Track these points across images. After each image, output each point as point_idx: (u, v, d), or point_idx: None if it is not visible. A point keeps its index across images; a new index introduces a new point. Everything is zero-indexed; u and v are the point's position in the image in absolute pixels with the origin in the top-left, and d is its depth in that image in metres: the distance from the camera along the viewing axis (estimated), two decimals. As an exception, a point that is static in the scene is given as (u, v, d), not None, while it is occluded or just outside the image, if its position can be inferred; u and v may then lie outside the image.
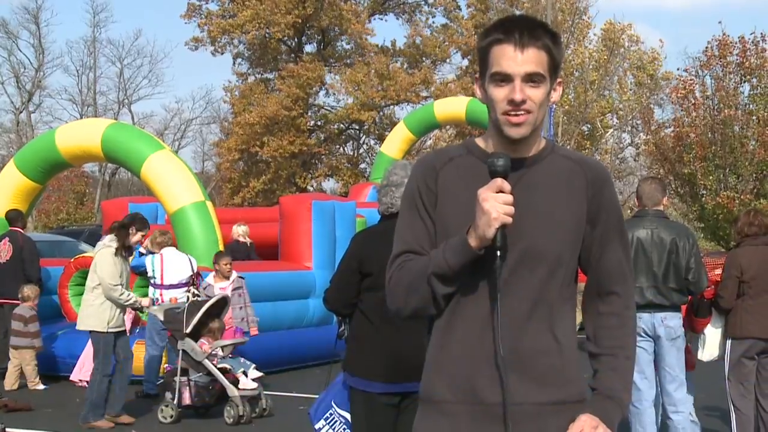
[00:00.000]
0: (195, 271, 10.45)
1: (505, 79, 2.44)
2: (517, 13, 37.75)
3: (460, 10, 38.96)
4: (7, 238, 11.81)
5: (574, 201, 2.52)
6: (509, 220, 2.35)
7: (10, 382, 10.86)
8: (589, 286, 2.65)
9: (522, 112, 2.44)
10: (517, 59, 2.43)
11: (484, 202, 2.34)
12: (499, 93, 2.45)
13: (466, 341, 2.50)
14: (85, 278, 12.36)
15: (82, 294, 12.43)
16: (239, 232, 13.78)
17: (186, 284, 10.28)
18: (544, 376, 2.46)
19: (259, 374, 9.43)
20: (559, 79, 2.54)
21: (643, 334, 6.59)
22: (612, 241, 2.57)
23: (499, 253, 2.37)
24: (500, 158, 2.41)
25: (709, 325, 7.33)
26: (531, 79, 2.44)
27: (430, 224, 2.58)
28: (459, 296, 2.52)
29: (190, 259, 10.48)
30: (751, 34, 29.82)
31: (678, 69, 42.52)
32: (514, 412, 2.42)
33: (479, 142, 2.62)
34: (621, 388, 2.54)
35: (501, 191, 2.36)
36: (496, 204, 2.33)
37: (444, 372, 2.56)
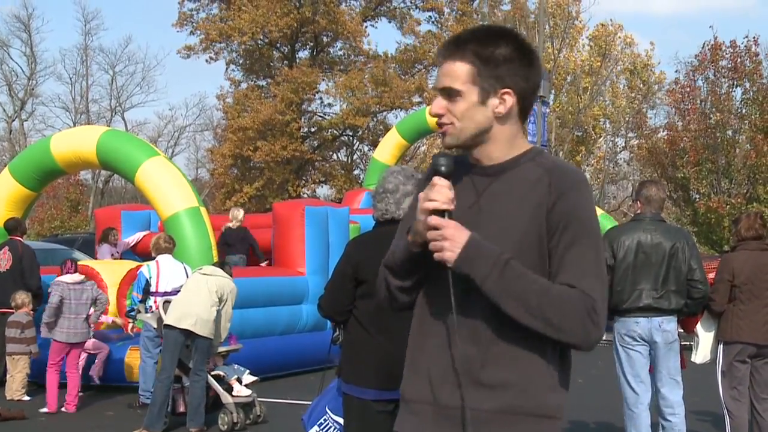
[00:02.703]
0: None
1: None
2: (499, 16, 37.95)
3: (443, 15, 38.99)
4: (6, 247, 11.79)
5: (533, 211, 2.46)
6: (432, 205, 2.39)
7: (12, 391, 10.80)
8: None
9: (441, 125, 2.52)
10: (437, 74, 2.54)
11: (420, 202, 2.43)
12: None
13: (434, 344, 2.54)
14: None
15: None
16: (231, 215, 14.56)
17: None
18: (498, 385, 2.46)
19: (253, 378, 9.43)
20: (505, 90, 2.48)
21: (639, 339, 6.61)
22: (572, 247, 2.43)
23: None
24: (442, 157, 2.46)
25: (701, 328, 7.35)
26: (446, 92, 2.50)
27: None
28: (429, 298, 2.58)
29: (185, 267, 10.47)
30: (744, 38, 29.96)
31: (676, 71, 42.57)
32: (470, 417, 2.44)
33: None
34: (499, 265, 2.40)
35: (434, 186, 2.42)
36: (424, 198, 2.42)
37: (414, 372, 2.61)
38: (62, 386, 10.84)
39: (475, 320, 2.46)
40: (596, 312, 2.40)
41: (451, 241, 2.38)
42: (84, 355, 11.05)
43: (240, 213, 14.88)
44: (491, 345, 2.45)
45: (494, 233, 2.45)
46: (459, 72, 2.47)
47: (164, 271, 10.23)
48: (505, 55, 2.47)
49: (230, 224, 14.46)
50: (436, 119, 2.54)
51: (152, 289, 10.20)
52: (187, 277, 10.22)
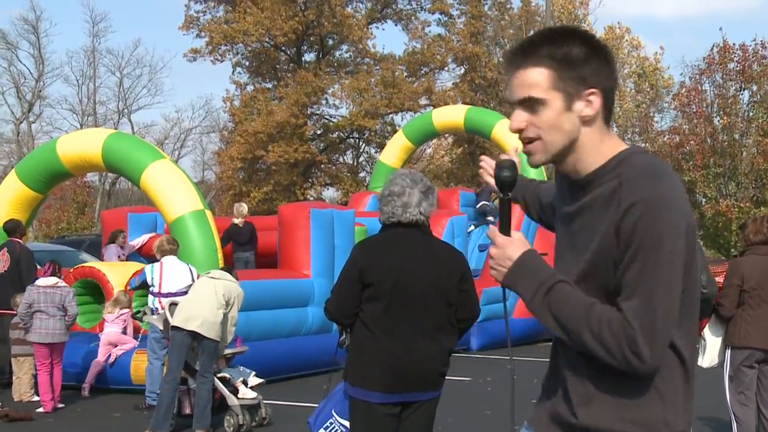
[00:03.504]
0: (194, 281, 10.42)
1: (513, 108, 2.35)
2: (507, 19, 37.89)
3: (452, 17, 39.00)
4: (5, 249, 11.82)
5: (605, 228, 2.25)
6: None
7: (20, 393, 10.84)
8: None
9: (526, 141, 2.33)
10: (510, 86, 2.33)
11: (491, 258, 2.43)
12: None
13: None
14: (86, 288, 12.46)
15: (82, 304, 12.50)
16: (235, 212, 14.34)
17: (185, 293, 10.25)
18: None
19: (259, 381, 9.44)
20: (590, 90, 2.28)
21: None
22: (631, 267, 2.20)
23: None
24: (505, 169, 2.34)
25: (709, 332, 7.33)
26: (527, 103, 2.30)
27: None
28: None
29: (190, 269, 10.48)
30: (752, 41, 29.92)
31: (681, 74, 42.52)
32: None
33: None
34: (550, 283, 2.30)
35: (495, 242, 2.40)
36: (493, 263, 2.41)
37: None
38: (70, 388, 10.89)
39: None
40: (635, 343, 2.17)
41: (497, 259, 2.37)
42: (106, 351, 11.17)
43: (244, 208, 14.73)
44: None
45: (576, 248, 2.36)
46: (537, 78, 2.27)
47: (168, 272, 10.24)
48: (582, 54, 2.27)
49: (236, 221, 14.34)
50: (518, 136, 2.34)
51: (155, 290, 10.22)
52: (192, 277, 10.27)
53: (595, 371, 2.29)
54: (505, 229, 2.37)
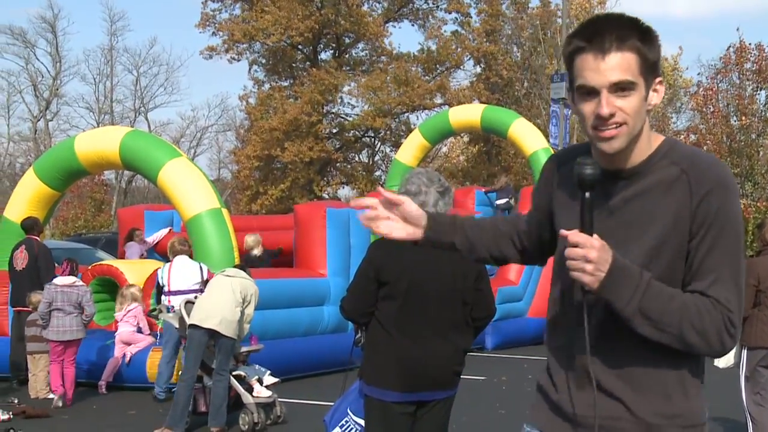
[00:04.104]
0: (205, 278, 10.50)
1: (591, 92, 2.25)
2: (525, 18, 37.77)
3: (469, 16, 38.98)
4: (23, 246, 11.87)
5: (674, 215, 2.28)
6: (584, 281, 2.21)
7: (36, 390, 10.92)
8: None
9: (613, 126, 2.25)
10: (599, 69, 2.23)
11: (569, 256, 2.21)
12: (587, 107, 2.28)
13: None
14: (103, 286, 12.53)
15: (99, 301, 12.57)
16: (249, 243, 13.81)
17: (195, 291, 10.31)
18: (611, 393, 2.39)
19: (274, 380, 9.46)
20: (658, 79, 2.31)
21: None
22: (713, 252, 2.26)
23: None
24: (587, 166, 2.22)
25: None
26: (619, 87, 2.24)
27: (533, 215, 2.63)
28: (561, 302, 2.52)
29: (201, 267, 10.63)
30: (770, 41, 29.77)
31: (699, 74, 42.35)
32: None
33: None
34: (655, 291, 2.26)
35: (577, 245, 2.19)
36: (577, 266, 2.20)
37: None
38: (85, 385, 10.95)
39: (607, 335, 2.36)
40: (733, 324, 2.26)
41: (597, 264, 2.19)
42: (120, 350, 11.24)
43: (251, 239, 13.92)
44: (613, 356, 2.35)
45: (628, 238, 2.29)
46: (631, 63, 2.23)
47: (176, 271, 10.46)
48: (657, 43, 2.28)
49: (255, 252, 13.84)
50: (594, 121, 2.26)
51: (165, 289, 10.45)
52: (202, 275, 10.39)
53: (641, 365, 2.33)
54: (588, 232, 2.22)
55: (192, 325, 8.69)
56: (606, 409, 2.34)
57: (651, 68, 2.28)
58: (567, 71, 2.38)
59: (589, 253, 2.17)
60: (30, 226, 12.16)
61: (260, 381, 9.32)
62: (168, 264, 10.64)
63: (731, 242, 2.27)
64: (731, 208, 2.27)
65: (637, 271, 2.24)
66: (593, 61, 2.24)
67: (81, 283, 10.61)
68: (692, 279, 2.29)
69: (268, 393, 9.23)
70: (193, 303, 9.24)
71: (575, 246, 2.19)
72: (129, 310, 11.42)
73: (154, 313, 10.64)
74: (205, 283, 10.46)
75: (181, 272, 10.49)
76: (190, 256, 10.87)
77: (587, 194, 2.24)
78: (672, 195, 2.29)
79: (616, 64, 2.23)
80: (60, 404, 10.21)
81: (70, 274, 10.48)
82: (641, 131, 2.31)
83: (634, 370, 2.34)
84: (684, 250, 2.29)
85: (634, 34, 2.25)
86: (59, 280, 10.40)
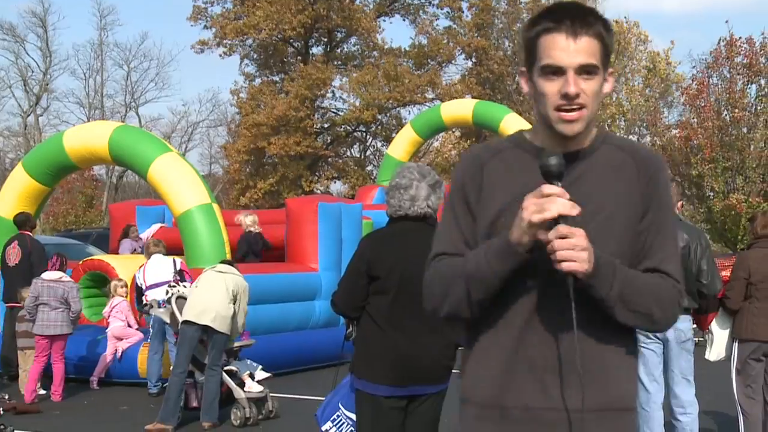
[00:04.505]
0: (178, 269, 10.66)
1: (557, 71, 2.28)
2: (515, 13, 37.79)
3: (462, 11, 38.96)
4: (16, 242, 11.83)
5: (624, 194, 2.36)
6: (545, 216, 2.18)
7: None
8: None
9: (576, 107, 2.29)
10: (569, 49, 2.27)
11: (524, 209, 2.21)
12: (551, 86, 2.30)
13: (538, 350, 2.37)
14: (94, 281, 12.50)
15: (90, 297, 12.53)
16: (248, 222, 13.79)
17: (169, 282, 10.38)
18: (592, 383, 2.34)
19: (266, 375, 9.45)
20: (610, 69, 2.39)
21: (652, 337, 6.57)
22: (661, 231, 2.39)
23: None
24: (553, 157, 2.24)
25: (716, 326, 7.31)
26: (585, 70, 2.28)
27: (469, 221, 2.44)
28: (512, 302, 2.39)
29: (174, 260, 10.82)
30: (761, 34, 29.83)
31: (693, 67, 42.47)
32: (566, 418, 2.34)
33: (527, 134, 2.48)
34: (626, 276, 2.31)
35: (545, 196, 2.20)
36: (533, 208, 2.19)
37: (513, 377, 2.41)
38: (77, 381, 10.93)
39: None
40: (681, 295, 2.42)
41: (588, 251, 2.20)
42: (112, 345, 11.22)
43: (249, 219, 13.90)
44: (584, 344, 2.32)
45: (586, 223, 2.25)
46: (595, 49, 2.29)
47: (151, 268, 10.76)
48: (612, 34, 2.36)
49: (251, 229, 13.83)
50: (558, 101, 2.29)
51: (143, 286, 10.71)
52: (175, 266, 10.65)
53: (606, 350, 2.36)
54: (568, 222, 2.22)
55: (185, 321, 8.68)
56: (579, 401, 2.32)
57: (607, 57, 2.35)
58: (525, 51, 2.38)
59: (581, 242, 2.19)
60: (22, 221, 12.12)
61: (252, 376, 9.32)
62: (143, 265, 10.89)
63: (670, 220, 2.43)
64: (669, 191, 2.45)
65: (610, 258, 2.29)
66: (564, 41, 2.28)
67: (68, 278, 10.56)
68: (644, 257, 2.39)
69: (260, 388, 9.23)
70: (184, 298, 9.24)
71: (563, 237, 2.18)
72: (114, 306, 11.39)
73: (146, 308, 10.63)
74: (179, 273, 10.53)
75: (156, 268, 10.73)
76: (165, 254, 11.02)
77: (559, 184, 2.23)
78: (621, 177, 2.37)
79: (585, 47, 2.28)
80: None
81: (59, 269, 10.45)
82: (594, 117, 2.38)
83: (600, 357, 2.36)
84: (632, 228, 2.37)
85: (598, 22, 2.32)
86: (46, 275, 10.37)
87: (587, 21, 2.30)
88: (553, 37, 2.29)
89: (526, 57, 2.38)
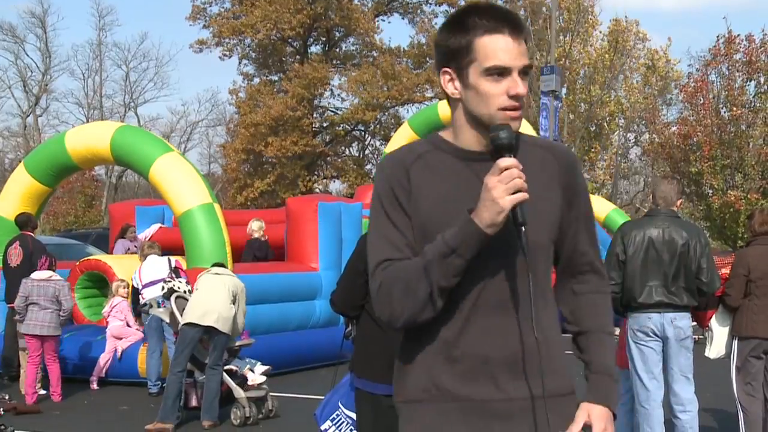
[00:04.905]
0: (172, 267, 10.75)
1: (502, 73, 2.32)
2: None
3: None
4: (17, 242, 11.82)
5: (551, 188, 2.44)
6: (522, 196, 2.24)
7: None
8: (563, 267, 2.57)
9: (520, 107, 2.36)
10: (515, 51, 2.33)
11: (491, 190, 2.23)
12: (496, 87, 2.32)
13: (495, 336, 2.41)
14: (92, 281, 12.50)
15: (89, 297, 12.53)
16: (254, 228, 13.82)
17: (163, 279, 10.41)
18: (551, 371, 2.44)
19: (266, 368, 9.46)
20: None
21: (652, 335, 6.56)
22: (584, 223, 2.53)
23: (523, 228, 2.28)
24: (503, 131, 2.30)
25: (716, 323, 7.32)
26: (524, 71, 2.35)
27: (407, 223, 2.40)
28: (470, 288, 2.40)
29: (169, 259, 10.92)
30: (761, 31, 29.83)
31: (690, 65, 42.49)
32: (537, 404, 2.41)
33: (445, 136, 2.48)
34: (612, 365, 2.52)
35: (505, 170, 2.24)
36: (501, 188, 2.22)
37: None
38: (76, 380, 10.93)
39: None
40: (609, 286, 2.69)
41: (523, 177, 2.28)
42: (112, 345, 11.22)
43: (256, 224, 13.94)
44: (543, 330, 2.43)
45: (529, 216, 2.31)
46: (526, 50, 2.38)
47: (146, 268, 10.89)
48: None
49: (257, 235, 13.87)
50: (506, 101, 2.34)
51: (140, 287, 10.83)
52: (170, 265, 10.76)
53: (553, 343, 2.47)
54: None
55: (188, 323, 8.70)
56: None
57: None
58: (452, 53, 2.37)
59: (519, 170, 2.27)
60: (24, 222, 12.10)
61: (252, 371, 9.35)
62: (138, 267, 11.02)
63: (590, 205, 2.57)
64: (584, 179, 2.59)
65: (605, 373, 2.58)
66: (510, 42, 2.33)
67: (58, 277, 10.55)
68: (575, 246, 2.53)
69: (263, 379, 9.27)
70: (185, 299, 9.26)
71: (506, 170, 2.24)
72: (113, 305, 11.40)
73: (146, 308, 10.63)
74: (174, 270, 10.57)
75: (151, 267, 10.86)
76: (160, 255, 11.12)
77: (510, 155, 2.30)
78: (545, 171, 2.45)
79: (524, 49, 2.36)
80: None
81: (48, 268, 10.45)
82: None
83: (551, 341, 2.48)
84: (560, 218, 2.47)
85: (525, 29, 2.39)
86: (36, 275, 10.37)
87: (520, 24, 2.37)
88: (497, 39, 2.32)
89: (458, 57, 2.36)
